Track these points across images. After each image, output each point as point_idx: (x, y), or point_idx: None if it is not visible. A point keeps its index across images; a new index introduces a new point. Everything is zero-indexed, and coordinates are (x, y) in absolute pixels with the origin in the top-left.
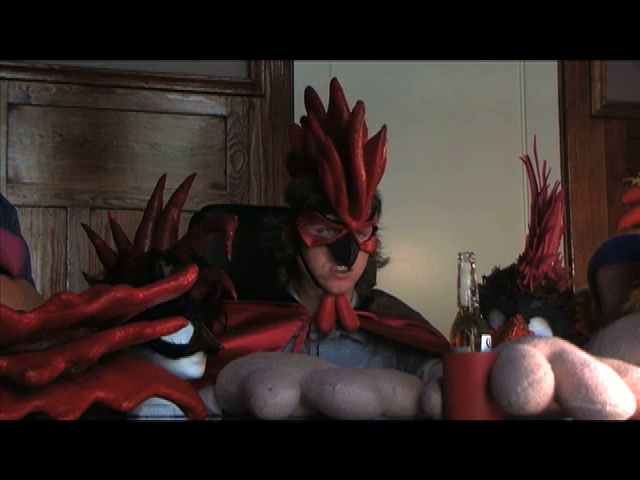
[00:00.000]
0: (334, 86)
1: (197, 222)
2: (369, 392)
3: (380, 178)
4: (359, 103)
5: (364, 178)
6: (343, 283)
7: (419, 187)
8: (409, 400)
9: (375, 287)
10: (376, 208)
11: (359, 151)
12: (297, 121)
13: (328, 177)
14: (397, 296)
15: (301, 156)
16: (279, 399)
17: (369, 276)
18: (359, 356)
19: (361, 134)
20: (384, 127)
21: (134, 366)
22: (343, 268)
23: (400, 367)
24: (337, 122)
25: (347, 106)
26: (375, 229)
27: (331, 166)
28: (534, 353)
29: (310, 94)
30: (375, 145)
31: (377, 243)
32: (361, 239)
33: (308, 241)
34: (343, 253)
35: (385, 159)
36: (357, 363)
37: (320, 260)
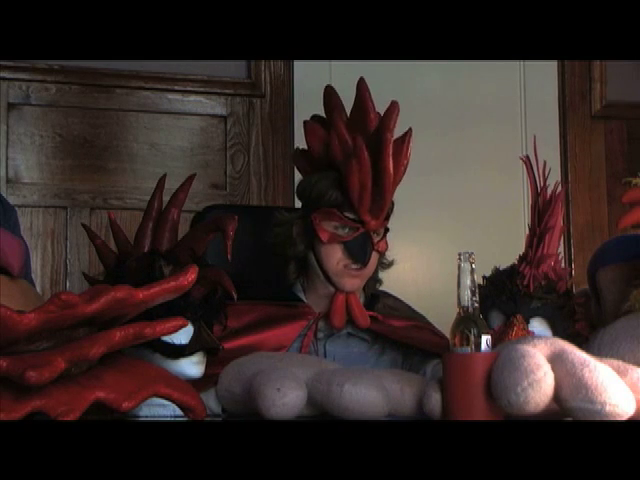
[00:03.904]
0: (361, 86)
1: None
2: (376, 392)
3: (401, 179)
4: (394, 103)
5: (392, 177)
6: (356, 281)
7: (419, 187)
8: (417, 401)
9: (380, 288)
10: (391, 210)
11: (390, 151)
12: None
13: (354, 176)
14: (399, 296)
15: (319, 154)
16: (287, 399)
17: (376, 275)
18: (367, 355)
19: (393, 134)
20: (410, 130)
21: (134, 366)
22: (357, 266)
23: (405, 367)
24: (363, 121)
25: (374, 105)
26: (386, 230)
27: (360, 165)
28: (534, 353)
29: (329, 92)
30: (401, 146)
31: (386, 245)
32: (375, 239)
33: (324, 237)
34: (360, 251)
35: (408, 161)
36: (365, 362)
37: (335, 257)
